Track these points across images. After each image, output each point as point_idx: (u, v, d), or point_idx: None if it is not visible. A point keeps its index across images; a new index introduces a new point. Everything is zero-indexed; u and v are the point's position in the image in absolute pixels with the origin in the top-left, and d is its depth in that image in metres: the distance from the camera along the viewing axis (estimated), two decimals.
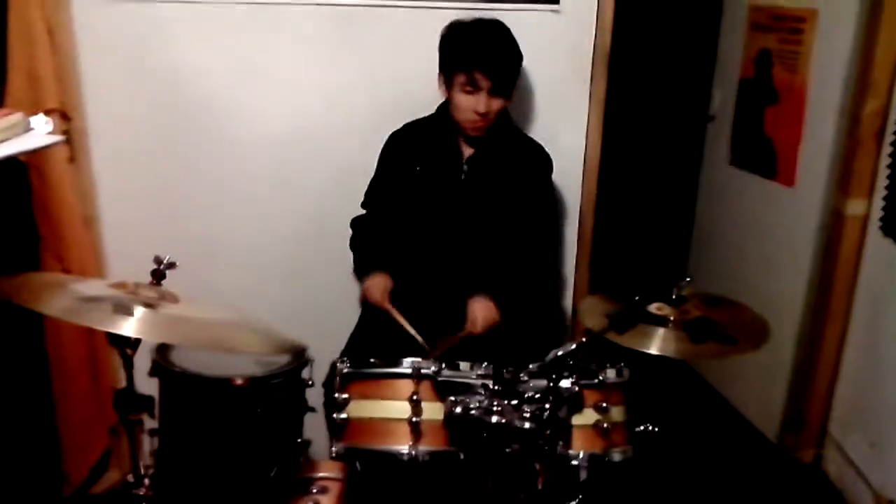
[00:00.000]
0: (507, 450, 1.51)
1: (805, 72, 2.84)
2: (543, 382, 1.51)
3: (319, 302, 2.62)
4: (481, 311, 2.08)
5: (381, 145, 2.35)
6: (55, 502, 2.54)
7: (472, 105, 2.11)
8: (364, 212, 2.39)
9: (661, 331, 1.68)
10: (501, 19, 2.27)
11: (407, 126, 2.34)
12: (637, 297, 1.50)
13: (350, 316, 2.40)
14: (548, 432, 1.43)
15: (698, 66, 3.47)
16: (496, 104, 2.13)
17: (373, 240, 2.32)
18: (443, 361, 1.60)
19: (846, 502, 2.71)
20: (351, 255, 2.40)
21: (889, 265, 2.55)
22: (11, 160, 2.17)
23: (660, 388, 3.19)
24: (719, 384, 3.44)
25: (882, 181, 2.57)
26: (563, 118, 2.56)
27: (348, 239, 2.39)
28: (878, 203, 2.59)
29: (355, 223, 2.38)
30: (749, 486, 2.81)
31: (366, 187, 2.38)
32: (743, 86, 3.24)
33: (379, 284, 2.18)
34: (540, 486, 1.46)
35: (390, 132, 2.35)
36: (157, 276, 1.56)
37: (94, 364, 2.55)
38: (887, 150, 2.55)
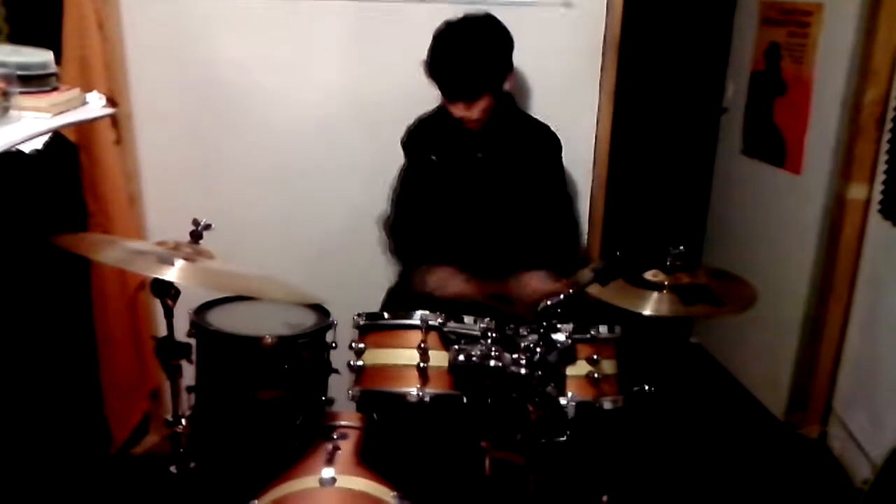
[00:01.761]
0: (505, 396, 1.67)
1: (811, 63, 2.96)
2: (536, 335, 1.67)
3: (345, 275, 2.78)
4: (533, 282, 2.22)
5: (401, 131, 2.49)
6: (101, 460, 2.74)
7: (452, 109, 2.21)
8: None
9: (655, 294, 1.83)
10: (515, 14, 2.40)
11: (420, 120, 2.46)
12: (618, 252, 1.65)
13: (373, 287, 2.57)
14: (538, 373, 1.59)
15: (713, 60, 3.60)
16: (475, 108, 2.19)
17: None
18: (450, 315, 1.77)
19: (848, 476, 2.80)
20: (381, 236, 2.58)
21: (888, 247, 2.66)
22: (64, 142, 2.40)
23: (673, 368, 3.35)
24: (729, 364, 3.56)
25: (882, 166, 2.68)
26: (575, 107, 2.68)
27: (372, 217, 2.57)
28: (879, 187, 2.70)
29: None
30: (757, 461, 2.93)
31: (384, 170, 2.53)
32: (754, 78, 3.35)
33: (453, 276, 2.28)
34: (531, 423, 1.61)
35: (408, 121, 2.48)
36: (195, 235, 1.75)
37: (136, 333, 2.75)
38: (887, 136, 2.66)
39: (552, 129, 2.42)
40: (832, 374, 2.97)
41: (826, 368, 2.97)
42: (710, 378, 3.55)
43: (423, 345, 1.72)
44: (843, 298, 2.88)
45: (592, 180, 2.77)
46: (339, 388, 2.18)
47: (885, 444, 2.60)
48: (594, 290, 1.79)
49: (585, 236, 2.81)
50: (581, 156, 2.71)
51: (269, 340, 1.93)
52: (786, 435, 3.09)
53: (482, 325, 1.75)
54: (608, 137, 2.73)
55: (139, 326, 2.74)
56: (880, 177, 2.70)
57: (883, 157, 2.68)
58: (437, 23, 2.33)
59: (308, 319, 2.06)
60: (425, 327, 1.74)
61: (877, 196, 2.72)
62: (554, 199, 2.43)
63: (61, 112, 1.74)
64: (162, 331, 1.82)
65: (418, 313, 1.75)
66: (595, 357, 1.74)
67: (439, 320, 1.74)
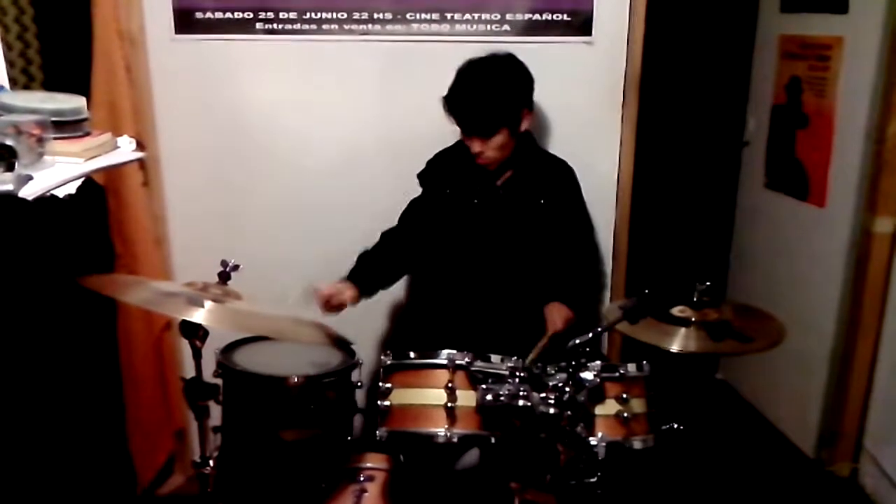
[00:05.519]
0: (534, 436, 1.66)
1: (833, 96, 2.96)
2: (565, 373, 1.66)
3: (374, 314, 2.79)
4: (557, 312, 2.24)
5: None
6: (127, 501, 2.73)
7: (469, 144, 2.25)
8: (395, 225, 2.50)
9: (682, 330, 1.82)
10: (537, 52, 2.43)
11: (440, 153, 2.49)
12: (647, 290, 1.64)
13: (402, 326, 2.58)
14: (567, 413, 1.57)
15: (733, 94, 3.60)
16: (490, 144, 2.23)
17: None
18: (477, 356, 1.76)
19: None
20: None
21: None
22: (92, 185, 2.43)
23: (699, 405, 3.31)
24: (756, 401, 3.51)
25: None
26: (597, 142, 2.71)
27: None
28: None
29: (387, 236, 2.47)
30: (787, 500, 2.88)
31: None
32: (775, 111, 3.35)
33: None
34: (561, 464, 1.60)
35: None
36: (224, 276, 1.77)
37: (162, 374, 2.77)
38: None
39: (569, 165, 2.44)
40: (862, 410, 2.92)
41: (856, 404, 2.92)
42: (737, 415, 3.50)
43: (450, 384, 1.71)
44: (872, 333, 2.84)
45: (616, 215, 2.78)
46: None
47: None
48: (622, 326, 1.79)
49: (609, 271, 2.81)
50: (604, 191, 2.73)
51: (295, 380, 1.94)
52: (816, 472, 3.03)
53: (510, 364, 1.75)
54: (631, 172, 2.74)
55: (165, 366, 2.75)
56: None
57: None
58: (461, 63, 2.37)
59: (334, 359, 2.06)
60: (452, 366, 1.73)
61: None
62: (575, 234, 2.43)
63: (93, 157, 1.77)
64: (188, 371, 1.83)
65: (445, 352, 1.75)
66: (624, 396, 1.73)
67: (466, 359, 1.73)
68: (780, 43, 3.29)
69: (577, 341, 1.59)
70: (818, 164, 3.05)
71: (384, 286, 2.38)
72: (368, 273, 2.32)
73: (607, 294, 2.83)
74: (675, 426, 1.88)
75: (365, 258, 2.35)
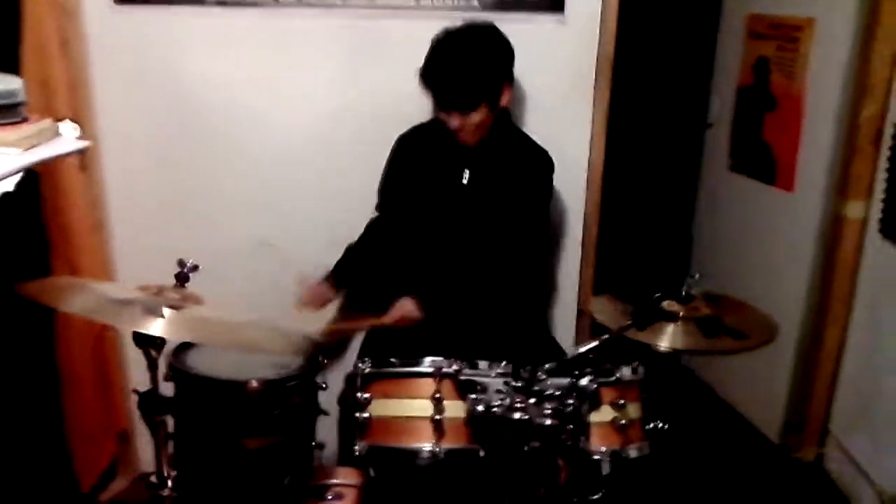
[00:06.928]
0: (527, 447, 1.54)
1: (802, 78, 2.90)
2: (563, 380, 1.54)
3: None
4: (404, 307, 2.11)
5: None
6: None
7: (446, 120, 2.13)
8: (377, 215, 2.41)
9: (671, 326, 1.72)
10: (507, 30, 2.29)
11: (415, 128, 2.36)
12: (656, 295, 1.54)
13: None
14: (570, 427, 1.46)
15: (697, 74, 3.53)
16: (469, 119, 2.11)
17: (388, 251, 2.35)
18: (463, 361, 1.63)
19: (848, 500, 2.74)
20: None
21: (888, 266, 2.60)
22: (27, 172, 2.21)
23: (661, 392, 3.26)
24: (719, 387, 3.49)
25: (880, 184, 2.63)
26: (568, 125, 2.58)
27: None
28: (877, 206, 2.64)
29: (370, 227, 2.39)
30: (752, 486, 2.86)
31: (374, 193, 2.42)
32: (741, 93, 3.29)
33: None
34: (562, 482, 1.49)
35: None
36: (182, 278, 1.59)
37: (103, 373, 2.59)
38: (885, 153, 2.60)
39: (548, 153, 2.32)
40: (829, 396, 2.90)
41: (823, 390, 2.90)
42: (702, 401, 3.47)
43: (437, 394, 1.58)
44: (841, 318, 2.82)
45: (585, 201, 2.67)
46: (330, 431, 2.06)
47: (887, 466, 2.55)
48: (609, 320, 1.69)
49: (577, 270, 2.72)
50: (573, 176, 2.61)
51: (255, 385, 1.78)
52: (781, 458, 3.02)
53: (499, 371, 1.62)
54: (602, 157, 2.63)
55: (106, 366, 2.58)
56: (878, 195, 2.63)
57: (881, 175, 2.62)
58: (427, 39, 2.21)
59: (297, 359, 1.91)
60: (439, 375, 1.60)
61: (875, 214, 2.65)
62: (527, 224, 2.29)
63: (33, 146, 1.57)
64: (130, 370, 1.65)
65: (430, 359, 1.61)
66: (621, 401, 1.62)
67: (454, 367, 1.59)
68: (748, 22, 3.22)
69: (582, 350, 1.48)
70: (786, 148, 3.00)
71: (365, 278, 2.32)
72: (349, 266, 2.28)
73: (573, 299, 2.74)
74: (661, 425, 1.79)
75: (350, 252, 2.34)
